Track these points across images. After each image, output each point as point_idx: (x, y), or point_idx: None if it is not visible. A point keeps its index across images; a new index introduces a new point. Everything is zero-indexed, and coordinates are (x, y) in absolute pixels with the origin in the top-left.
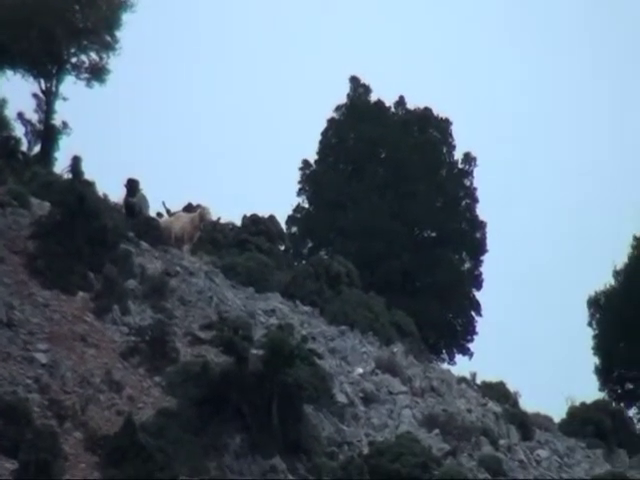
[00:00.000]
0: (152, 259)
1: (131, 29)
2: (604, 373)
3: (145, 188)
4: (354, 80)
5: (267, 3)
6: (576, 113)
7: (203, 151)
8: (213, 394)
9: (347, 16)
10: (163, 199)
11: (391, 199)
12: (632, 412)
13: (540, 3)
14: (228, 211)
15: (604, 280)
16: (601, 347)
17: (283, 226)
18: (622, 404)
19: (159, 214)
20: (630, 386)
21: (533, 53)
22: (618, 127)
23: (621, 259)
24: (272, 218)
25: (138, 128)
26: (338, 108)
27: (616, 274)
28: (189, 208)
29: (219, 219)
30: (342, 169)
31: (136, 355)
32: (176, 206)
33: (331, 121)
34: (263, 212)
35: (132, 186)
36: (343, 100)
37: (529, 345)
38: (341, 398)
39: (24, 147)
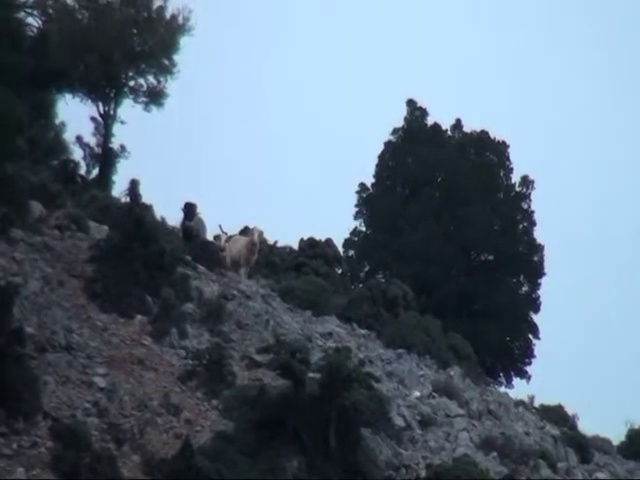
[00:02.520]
0: (209, 282)
1: (189, 52)
2: None
3: (202, 212)
4: (411, 103)
5: (325, 27)
6: (631, 133)
7: (261, 174)
8: (270, 417)
9: (404, 39)
10: (220, 223)
11: (447, 222)
12: None
13: (601, 20)
14: (285, 235)
15: None
16: None
17: (340, 249)
18: None
19: (217, 237)
20: None
21: (591, 74)
22: None
23: None
24: (329, 241)
25: (196, 151)
26: (395, 131)
27: None
28: (246, 231)
29: (276, 242)
30: (399, 192)
31: (194, 378)
32: (233, 230)
33: (388, 144)
34: (320, 235)
35: (189, 210)
36: (400, 123)
37: (588, 367)
38: (398, 421)
39: (82, 170)
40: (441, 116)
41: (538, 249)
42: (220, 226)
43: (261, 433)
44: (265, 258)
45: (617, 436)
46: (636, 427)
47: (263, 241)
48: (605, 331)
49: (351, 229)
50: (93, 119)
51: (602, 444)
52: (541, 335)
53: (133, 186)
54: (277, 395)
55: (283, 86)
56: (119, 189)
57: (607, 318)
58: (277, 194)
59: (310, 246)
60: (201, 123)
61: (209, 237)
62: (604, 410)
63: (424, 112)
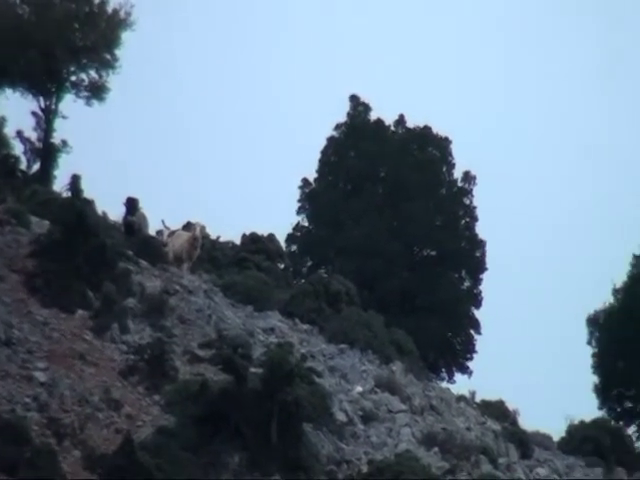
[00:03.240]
0: (151, 277)
1: (130, 47)
2: (603, 391)
3: (144, 207)
4: (354, 99)
5: (268, 23)
6: (576, 130)
7: (203, 169)
8: (212, 412)
9: (347, 35)
10: (162, 218)
11: (390, 218)
12: (631, 430)
13: (542, 20)
14: (228, 230)
15: (604, 298)
16: (600, 365)
17: (282, 244)
18: (621, 422)
19: (159, 232)
20: (629, 404)
21: (531, 70)
22: (619, 145)
23: (621, 277)
24: (271, 237)
25: (138, 146)
26: (338, 127)
27: (615, 292)
28: (188, 227)
29: (218, 238)
30: (341, 188)
31: (135, 374)
32: (176, 224)
33: (331, 139)
34: (263, 231)
35: (131, 205)
36: (343, 119)
37: (528, 363)
38: (340, 416)
39: (23, 165)
40: (384, 112)
41: (480, 244)
42: (162, 221)
43: (203, 428)
44: (207, 253)
45: (557, 432)
46: (576, 423)
47: (205, 236)
48: (546, 327)
49: (294, 224)
50: (34, 114)
51: (542, 440)
52: (482, 330)
53: (74, 181)
54: (219, 390)
55: (226, 79)
56: (60, 184)
57: (548, 313)
58: (220, 189)
59: (252, 241)
60: (142, 118)
61: (151, 232)
62: (544, 406)
63: (367, 108)
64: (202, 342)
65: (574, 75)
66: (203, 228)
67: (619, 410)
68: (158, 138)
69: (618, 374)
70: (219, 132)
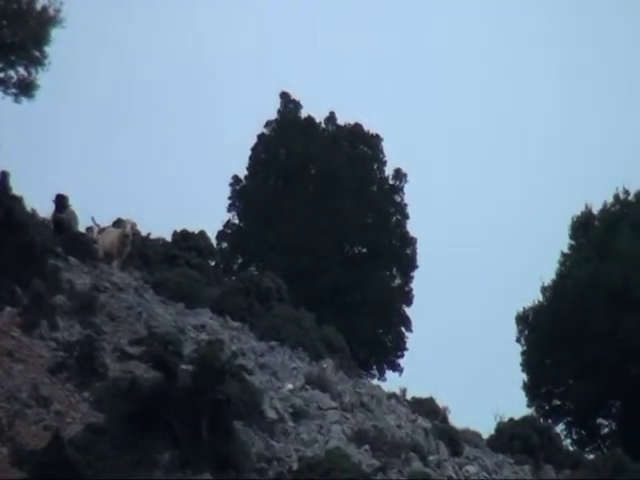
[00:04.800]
0: (81, 274)
1: (61, 45)
2: (532, 389)
3: (74, 204)
4: (284, 96)
5: (198, 19)
6: (506, 128)
7: (133, 166)
8: (142, 410)
9: (278, 31)
10: (92, 214)
11: (321, 215)
12: (559, 428)
13: (469, 19)
14: (158, 227)
15: (533, 296)
16: (529, 363)
17: (213, 242)
18: (549, 420)
19: (89, 229)
20: (557, 402)
21: (462, 67)
22: (547, 143)
23: (549, 276)
24: (202, 234)
25: (67, 143)
26: (268, 124)
27: (544, 290)
28: (119, 223)
29: (149, 235)
30: (272, 185)
31: (64, 370)
32: (106, 221)
33: (261, 137)
34: (193, 228)
35: (61, 202)
36: (273, 116)
37: (459, 361)
38: (271, 414)
39: None
40: (314, 109)
41: (411, 242)
42: (92, 218)
43: (133, 425)
44: (138, 250)
45: (487, 429)
46: (505, 420)
47: (136, 233)
48: (475, 325)
49: (224, 221)
50: None
51: (472, 437)
52: (413, 328)
53: (3, 178)
54: (149, 387)
55: (154, 75)
56: None
57: (477, 311)
58: (150, 186)
59: (183, 238)
60: (72, 115)
61: (81, 229)
62: (474, 403)
63: (297, 105)
64: (132, 339)
65: (502, 73)
66: (133, 225)
67: (547, 408)
68: (88, 135)
69: (546, 372)
70: (149, 128)
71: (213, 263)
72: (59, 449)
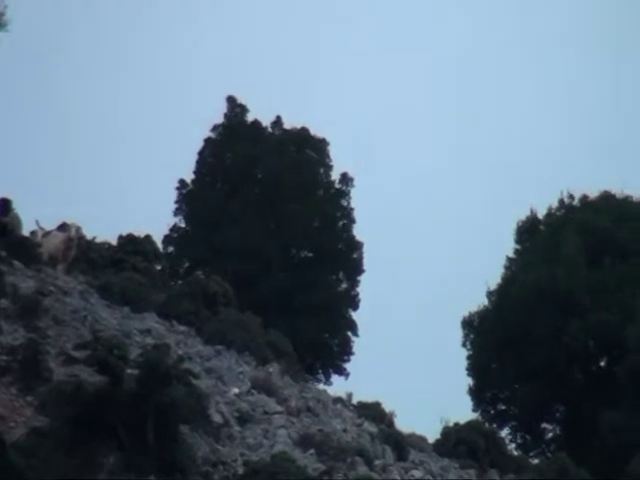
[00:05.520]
0: (25, 278)
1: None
2: (477, 394)
3: (18, 207)
4: (231, 100)
5: (144, 21)
6: (449, 133)
7: (79, 169)
8: (87, 414)
9: (225, 34)
10: (37, 218)
11: (268, 219)
12: (504, 432)
13: (412, 23)
14: (104, 231)
15: (478, 301)
16: (474, 368)
17: (160, 246)
18: (494, 424)
19: (33, 233)
20: (502, 407)
21: (408, 70)
22: (494, 147)
23: (495, 280)
24: (148, 238)
25: (10, 147)
26: (215, 128)
27: (489, 295)
28: (63, 227)
29: (94, 238)
30: (219, 189)
31: (8, 374)
32: (51, 225)
33: (208, 141)
34: (139, 232)
35: (5, 205)
36: (220, 120)
37: (405, 365)
38: (217, 418)
39: None
40: (261, 113)
41: (357, 246)
42: (37, 221)
43: (77, 429)
44: (83, 254)
45: (432, 434)
46: (450, 425)
47: (81, 237)
48: (421, 329)
49: (171, 225)
50: None
51: (418, 441)
52: (359, 332)
53: None
54: (94, 391)
55: (100, 78)
56: None
57: (423, 316)
58: (96, 190)
59: (129, 242)
60: (14, 118)
61: (25, 233)
62: (420, 408)
63: (244, 109)
64: (77, 343)
65: (447, 75)
66: (78, 229)
67: (492, 412)
68: (33, 138)
69: (492, 376)
70: (95, 131)
71: (159, 267)
72: (2, 453)
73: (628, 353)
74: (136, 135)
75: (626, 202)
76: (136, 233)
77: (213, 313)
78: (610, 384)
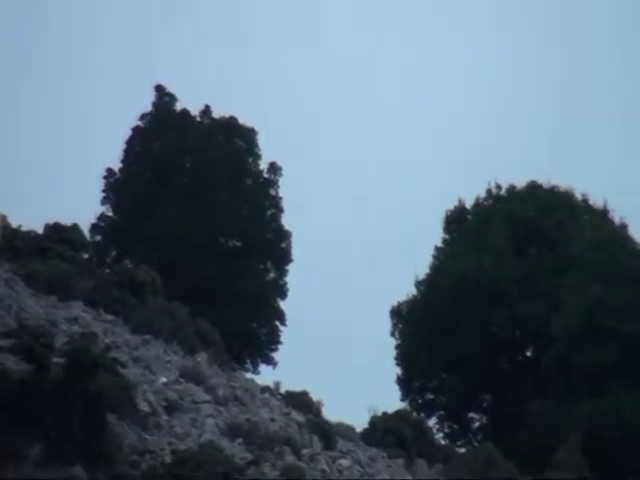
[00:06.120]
0: None
1: None
2: (405, 383)
3: None
4: (159, 89)
5: (70, 12)
6: (378, 123)
7: (5, 158)
8: (12, 402)
9: (153, 26)
10: None
11: (196, 208)
12: (432, 422)
13: (331, 10)
14: (30, 219)
15: (407, 290)
16: (403, 357)
17: (87, 234)
18: (422, 414)
19: None
20: (430, 396)
21: (338, 60)
22: (420, 138)
23: (423, 269)
24: (75, 226)
25: None
26: (143, 116)
27: (418, 284)
28: None
29: (20, 227)
30: (147, 178)
31: None
32: None
33: (136, 129)
34: (66, 220)
35: None
36: (148, 108)
37: (333, 355)
38: (144, 407)
39: None
40: (190, 102)
41: (285, 236)
42: None
43: (2, 418)
44: (8, 243)
45: (360, 423)
46: (379, 414)
47: (6, 226)
48: (350, 318)
49: (98, 214)
50: None
51: (346, 431)
52: (287, 322)
53: None
54: (19, 380)
55: (30, 67)
56: None
57: (352, 305)
58: (21, 178)
59: (55, 231)
60: None
61: None
62: (348, 397)
63: (173, 98)
64: (2, 332)
65: (377, 67)
66: (4, 217)
67: (421, 401)
68: None
69: (420, 366)
70: (22, 119)
71: (86, 256)
72: None
73: (553, 342)
74: (63, 124)
75: (552, 192)
76: (63, 222)
77: (141, 302)
78: (536, 373)
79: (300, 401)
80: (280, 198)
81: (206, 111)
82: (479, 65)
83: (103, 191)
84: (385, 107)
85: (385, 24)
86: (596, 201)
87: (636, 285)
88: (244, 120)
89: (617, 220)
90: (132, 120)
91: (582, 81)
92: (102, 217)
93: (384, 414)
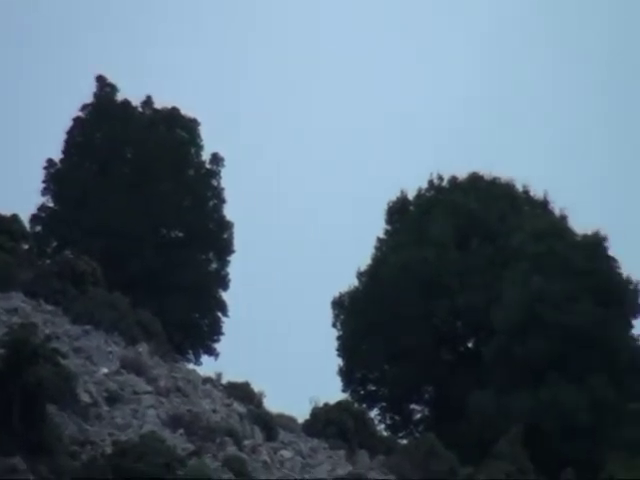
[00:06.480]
0: None
1: None
2: (347, 374)
3: None
4: (100, 79)
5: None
6: (321, 114)
7: None
8: None
9: (96, 15)
10: None
11: (137, 199)
12: (374, 413)
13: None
14: None
15: (349, 281)
16: (344, 348)
17: (27, 225)
18: (364, 405)
19: None
20: (372, 387)
21: (281, 55)
22: (362, 129)
23: (365, 260)
24: (15, 217)
25: None
26: (84, 107)
27: (360, 275)
28: None
29: None
30: (88, 168)
31: None
32: None
33: (77, 120)
34: (5, 211)
35: None
36: (89, 99)
37: (274, 346)
38: (85, 398)
39: None
40: (131, 92)
41: (227, 226)
42: None
43: None
44: None
45: (302, 414)
46: (320, 405)
47: None
48: (292, 309)
49: (38, 205)
50: None
51: (287, 422)
52: (229, 312)
53: None
54: None
55: None
56: None
57: (294, 296)
58: None
59: None
60: None
61: None
62: (290, 388)
63: (114, 88)
64: None
65: (317, 56)
66: None
67: (362, 393)
68: None
69: (362, 357)
70: None
71: (26, 246)
72: None
73: (495, 334)
74: (3, 114)
75: (494, 183)
76: (2, 212)
77: (81, 292)
78: (478, 365)
79: (242, 392)
80: (222, 189)
81: (148, 102)
82: (417, 51)
83: (43, 182)
84: (324, 97)
85: (337, 16)
86: (536, 192)
87: (575, 277)
88: (186, 111)
89: (557, 211)
90: (73, 111)
91: (521, 72)
92: (42, 208)
93: (326, 405)
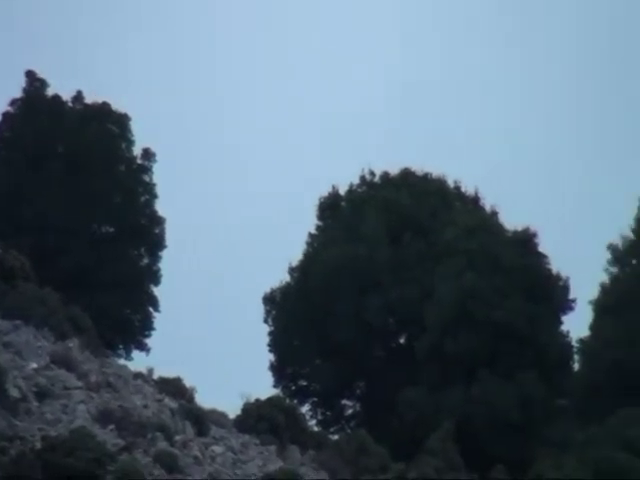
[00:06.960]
0: None
1: None
2: (278, 370)
3: None
4: (30, 74)
5: None
6: (255, 109)
7: None
8: None
9: (28, 12)
10: None
11: (68, 194)
12: (305, 409)
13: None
14: None
15: (280, 277)
16: (276, 344)
17: None
18: (295, 401)
19: None
20: (303, 383)
21: (218, 51)
22: (294, 124)
23: (297, 256)
24: None
25: None
26: (13, 102)
27: (291, 271)
28: None
29: None
30: (18, 163)
31: None
32: None
33: (6, 115)
34: None
35: None
36: (19, 94)
37: (206, 341)
38: (14, 393)
39: None
40: (62, 87)
41: (159, 221)
42: None
43: None
44: None
45: (233, 409)
46: (251, 401)
47: None
48: (223, 305)
49: None
50: None
51: (219, 417)
52: (161, 308)
53: None
54: None
55: None
56: None
57: (226, 292)
58: None
59: None
60: None
61: None
62: (221, 384)
63: (44, 83)
64: None
65: (262, 57)
66: None
67: (294, 388)
68: None
69: (293, 353)
70: None
71: None
72: None
73: (427, 330)
74: None
75: (426, 179)
76: None
77: (11, 287)
78: (410, 361)
79: (173, 387)
80: (154, 184)
81: (78, 97)
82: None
83: None
84: (259, 90)
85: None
86: (467, 188)
87: (505, 273)
88: (117, 106)
89: (488, 207)
90: (2, 106)
91: (450, 67)
92: None
93: (257, 401)
